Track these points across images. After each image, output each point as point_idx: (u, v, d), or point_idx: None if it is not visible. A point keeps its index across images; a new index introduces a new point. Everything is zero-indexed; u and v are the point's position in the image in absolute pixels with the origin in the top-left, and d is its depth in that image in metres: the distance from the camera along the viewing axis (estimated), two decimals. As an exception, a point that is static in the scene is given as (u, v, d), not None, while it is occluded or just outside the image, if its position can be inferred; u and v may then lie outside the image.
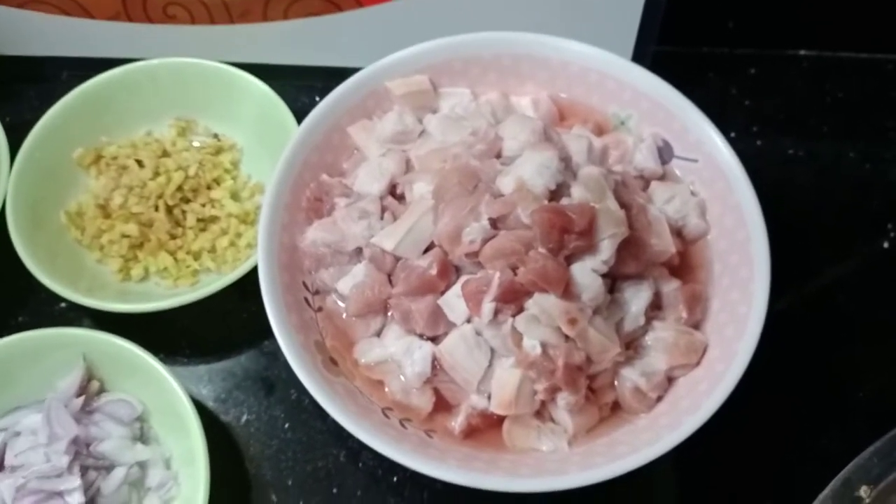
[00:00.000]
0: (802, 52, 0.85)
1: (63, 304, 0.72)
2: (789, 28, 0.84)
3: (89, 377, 0.65)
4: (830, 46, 0.85)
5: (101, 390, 0.65)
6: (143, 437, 0.65)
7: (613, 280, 0.58)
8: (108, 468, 0.62)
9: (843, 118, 0.82)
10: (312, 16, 0.76)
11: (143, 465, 0.63)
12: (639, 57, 0.75)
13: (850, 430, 0.66)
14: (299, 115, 0.68)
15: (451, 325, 0.58)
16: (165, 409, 0.63)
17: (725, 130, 0.64)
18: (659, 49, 0.76)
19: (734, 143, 0.63)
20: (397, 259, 0.59)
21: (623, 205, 0.57)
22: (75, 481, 0.60)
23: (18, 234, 0.68)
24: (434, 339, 0.59)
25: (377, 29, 0.76)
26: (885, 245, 0.76)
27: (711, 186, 0.63)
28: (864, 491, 0.52)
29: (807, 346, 0.70)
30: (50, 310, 0.72)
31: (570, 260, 0.55)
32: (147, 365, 0.62)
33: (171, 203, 0.72)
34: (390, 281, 0.60)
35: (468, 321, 0.57)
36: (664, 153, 0.66)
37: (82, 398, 0.63)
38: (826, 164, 0.80)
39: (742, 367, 0.55)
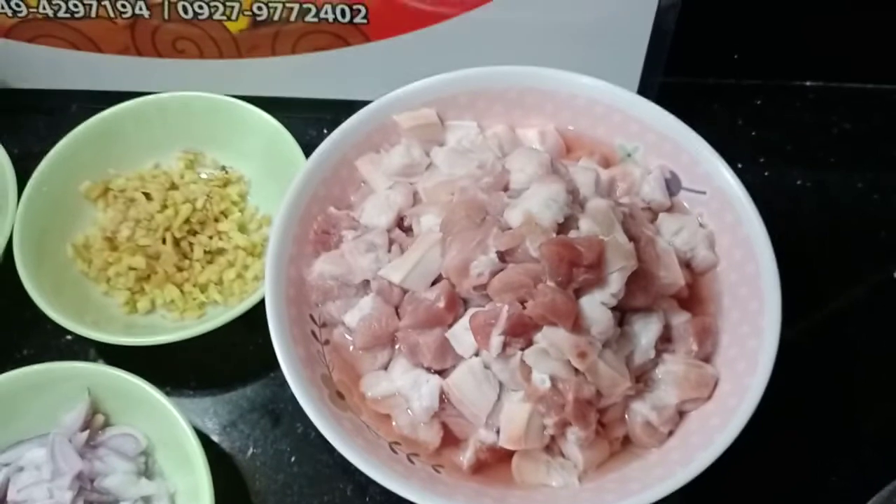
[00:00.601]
0: (808, 83, 0.86)
1: (69, 337, 0.72)
2: (795, 59, 0.84)
3: (94, 411, 0.64)
4: (836, 77, 0.85)
5: (106, 424, 0.65)
6: (147, 472, 0.64)
7: (622, 313, 0.58)
8: (113, 503, 0.61)
9: (850, 148, 0.82)
10: (320, 50, 0.77)
11: (147, 501, 0.62)
12: (645, 89, 0.75)
13: (861, 464, 0.66)
14: (307, 149, 0.68)
15: (458, 359, 0.58)
16: (171, 444, 0.62)
17: (732, 161, 0.63)
18: (665, 81, 0.77)
19: (741, 174, 0.63)
20: (405, 292, 0.59)
21: (631, 237, 0.57)
22: (79, 517, 0.59)
23: (25, 266, 0.67)
24: (442, 373, 0.58)
25: (385, 63, 0.77)
26: (895, 275, 0.75)
27: (720, 218, 0.63)
28: (883, 529, 0.51)
29: (816, 378, 0.69)
30: (56, 343, 0.72)
31: (579, 293, 0.54)
32: (152, 399, 0.62)
33: (178, 235, 0.72)
34: (398, 314, 0.60)
35: (476, 354, 0.57)
36: (672, 185, 0.66)
37: (87, 432, 0.63)
38: (834, 195, 0.79)
39: (755, 403, 0.55)
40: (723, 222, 0.63)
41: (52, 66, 0.80)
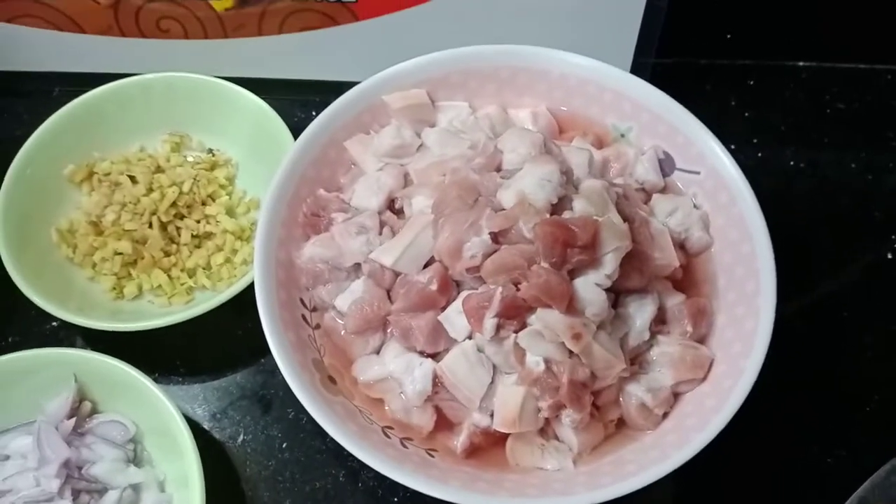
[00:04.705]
0: (801, 64, 0.85)
1: (54, 323, 0.71)
2: (788, 39, 0.84)
3: (81, 398, 0.63)
4: (829, 57, 0.85)
5: (94, 411, 0.64)
6: (136, 459, 0.63)
7: (617, 294, 0.57)
8: (101, 491, 0.61)
9: (843, 128, 0.82)
10: (308, 29, 0.76)
11: (136, 488, 0.62)
12: (637, 69, 0.75)
13: (856, 444, 0.66)
14: (296, 130, 0.67)
15: (452, 342, 0.57)
16: (159, 430, 0.61)
17: (726, 142, 0.63)
18: (658, 61, 0.76)
19: (735, 155, 0.62)
20: (397, 275, 0.58)
21: (625, 218, 0.57)
22: (66, 506, 0.59)
23: (8, 251, 0.66)
24: (435, 356, 0.58)
25: (374, 42, 0.75)
26: (889, 255, 0.75)
27: (714, 199, 0.63)
28: (880, 510, 0.51)
29: (811, 358, 0.69)
30: (40, 329, 0.71)
31: (573, 274, 0.54)
32: (140, 385, 0.61)
33: (165, 219, 0.71)
34: (389, 297, 0.59)
35: (469, 337, 0.56)
36: (665, 165, 0.65)
37: (73, 420, 0.62)
38: (827, 175, 0.79)
39: (750, 384, 0.54)
40: (717, 202, 0.62)
41: (33, 47, 0.79)
